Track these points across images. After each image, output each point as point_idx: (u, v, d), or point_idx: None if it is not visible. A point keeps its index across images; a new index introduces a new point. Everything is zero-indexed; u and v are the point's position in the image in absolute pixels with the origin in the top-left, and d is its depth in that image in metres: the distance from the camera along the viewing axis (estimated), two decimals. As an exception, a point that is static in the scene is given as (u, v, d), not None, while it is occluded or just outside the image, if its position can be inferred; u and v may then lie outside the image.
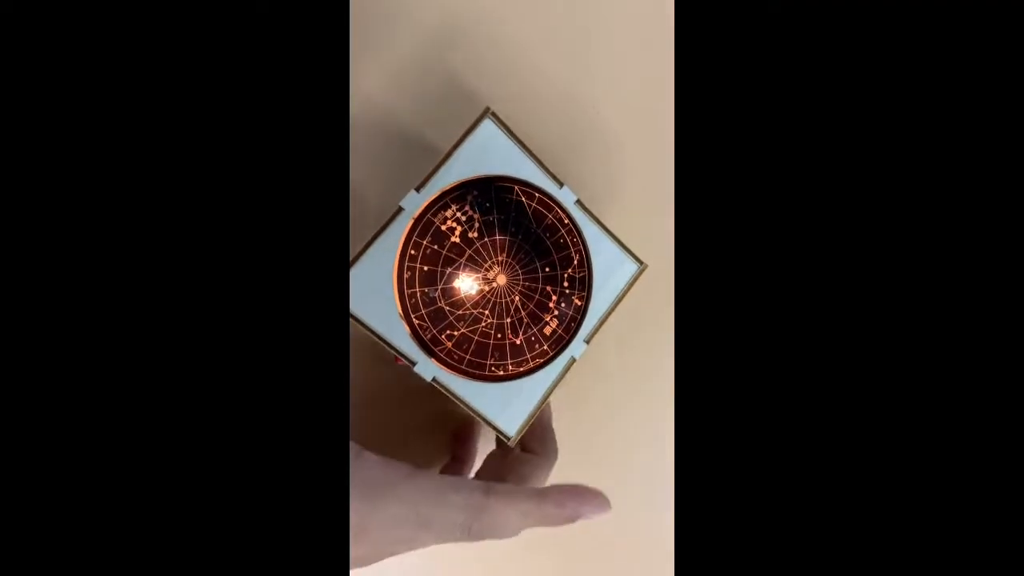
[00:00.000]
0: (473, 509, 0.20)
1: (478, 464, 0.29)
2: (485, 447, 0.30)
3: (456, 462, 0.29)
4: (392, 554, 0.21)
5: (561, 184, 0.26)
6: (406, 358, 0.24)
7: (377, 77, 0.29)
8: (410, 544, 0.20)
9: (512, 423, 0.25)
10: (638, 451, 0.34)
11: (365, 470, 0.20)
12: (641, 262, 0.27)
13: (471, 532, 0.20)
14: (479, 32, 0.31)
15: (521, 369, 0.25)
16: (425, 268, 0.24)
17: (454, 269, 0.24)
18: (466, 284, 0.25)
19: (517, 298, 0.25)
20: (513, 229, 0.25)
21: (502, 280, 0.25)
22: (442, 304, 0.24)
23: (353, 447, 0.21)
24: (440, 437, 0.31)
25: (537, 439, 0.27)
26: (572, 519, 0.22)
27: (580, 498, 0.22)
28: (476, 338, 0.25)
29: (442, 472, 0.29)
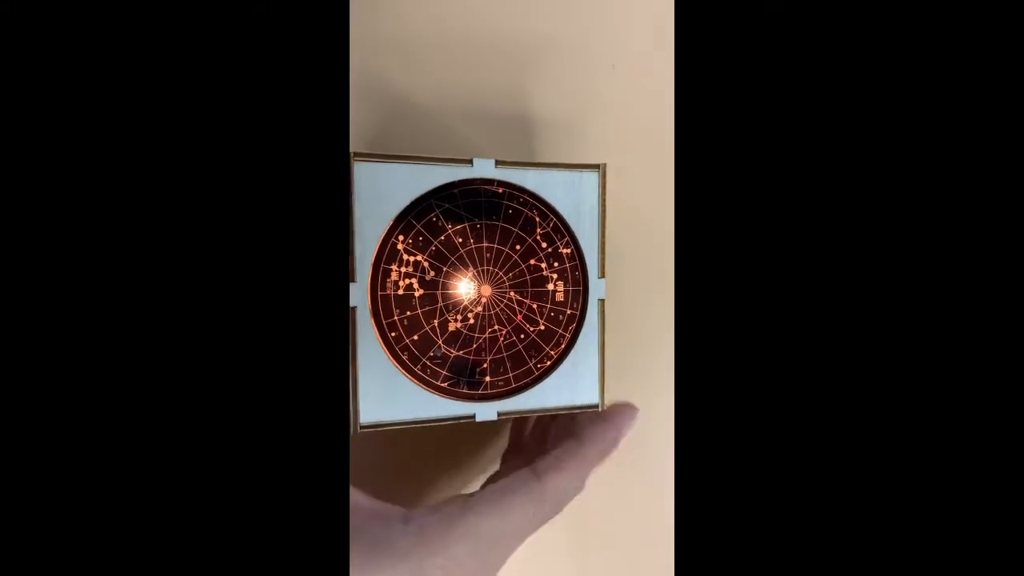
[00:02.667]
0: (534, 497, 0.22)
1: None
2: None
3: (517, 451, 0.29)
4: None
5: (469, 161, 0.22)
6: (463, 417, 0.23)
7: (381, 66, 0.27)
8: (505, 556, 0.22)
9: (590, 393, 0.24)
10: (638, 448, 0.33)
11: (413, 534, 0.21)
12: (595, 166, 0.24)
13: (546, 514, 0.22)
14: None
15: (562, 347, 0.24)
16: (416, 337, 0.22)
17: (439, 319, 0.23)
18: (459, 320, 0.23)
19: (512, 293, 0.23)
20: (460, 240, 0.23)
21: (487, 291, 0.23)
22: (454, 353, 0.23)
23: (397, 511, 0.22)
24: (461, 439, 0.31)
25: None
26: (616, 441, 0.24)
27: (613, 421, 0.24)
28: (505, 354, 0.24)
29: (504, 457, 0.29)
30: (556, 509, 0.23)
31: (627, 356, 0.32)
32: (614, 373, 0.28)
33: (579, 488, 0.24)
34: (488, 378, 0.23)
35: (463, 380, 0.23)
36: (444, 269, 0.23)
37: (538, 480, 0.22)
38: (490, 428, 0.31)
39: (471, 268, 0.23)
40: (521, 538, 0.22)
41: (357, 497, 0.22)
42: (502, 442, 0.31)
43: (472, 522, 0.21)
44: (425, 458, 0.30)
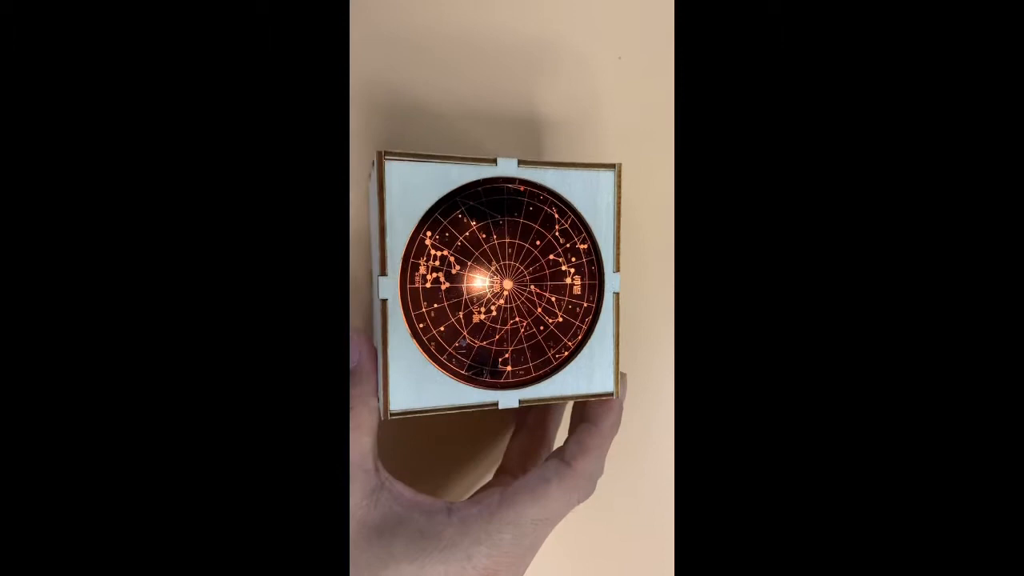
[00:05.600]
0: (567, 484, 0.23)
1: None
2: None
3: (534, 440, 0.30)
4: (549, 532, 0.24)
5: (494, 161, 0.23)
6: (487, 405, 0.24)
7: (379, 65, 0.28)
8: (543, 539, 0.23)
9: (605, 382, 0.26)
10: (639, 446, 0.35)
11: (456, 525, 0.22)
12: (612, 165, 0.25)
13: (581, 495, 0.24)
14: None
15: (579, 338, 0.25)
16: (442, 328, 0.24)
17: (464, 311, 0.24)
18: (483, 312, 0.24)
19: (532, 287, 0.25)
20: (484, 236, 0.24)
21: (509, 284, 0.24)
22: (478, 343, 0.24)
23: (439, 503, 0.23)
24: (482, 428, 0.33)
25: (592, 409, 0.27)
26: (620, 411, 0.26)
27: (609, 404, 0.26)
28: (526, 345, 0.25)
29: (512, 440, 0.31)
30: (589, 490, 0.24)
31: (634, 343, 0.33)
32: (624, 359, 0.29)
33: (602, 466, 0.25)
34: (509, 367, 0.25)
35: (486, 370, 0.24)
36: (468, 264, 0.24)
37: (568, 466, 0.24)
38: (498, 422, 0.32)
39: (494, 263, 0.24)
40: (556, 521, 0.23)
41: (399, 488, 0.23)
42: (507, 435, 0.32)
43: (513, 512, 0.22)
44: (436, 450, 0.32)
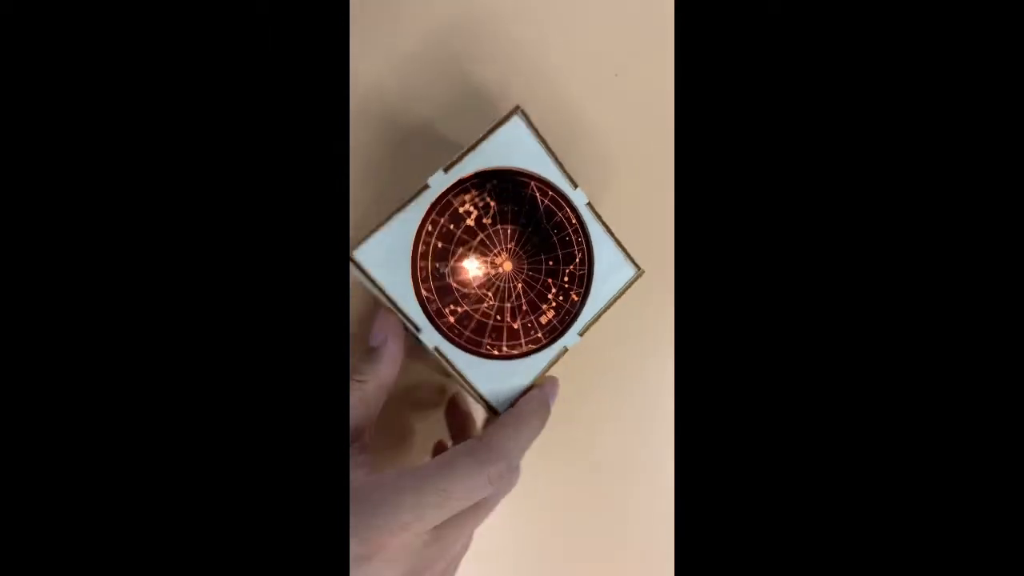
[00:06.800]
0: (479, 456, 0.23)
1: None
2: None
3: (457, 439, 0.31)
4: (460, 539, 0.23)
5: (576, 186, 0.27)
6: (412, 323, 0.25)
7: (380, 68, 0.31)
8: (447, 523, 0.22)
9: (501, 400, 0.27)
10: (639, 444, 0.36)
11: (376, 478, 0.22)
12: (639, 267, 0.29)
13: (492, 478, 0.23)
14: (490, 25, 0.32)
15: (515, 352, 0.27)
16: (439, 244, 0.26)
17: (465, 250, 0.26)
18: (474, 266, 0.26)
19: (520, 285, 0.27)
20: (524, 221, 0.27)
21: (508, 267, 0.27)
22: (450, 280, 0.26)
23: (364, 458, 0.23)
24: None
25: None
26: (548, 405, 0.27)
27: (543, 390, 0.27)
28: (477, 317, 0.26)
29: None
30: (501, 467, 0.23)
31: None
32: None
33: (520, 448, 0.24)
34: (451, 320, 0.26)
35: (435, 304, 0.26)
36: (497, 227, 0.27)
37: (478, 440, 0.24)
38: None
39: (512, 244, 0.27)
40: (465, 497, 0.22)
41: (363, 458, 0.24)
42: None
43: (420, 473, 0.22)
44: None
